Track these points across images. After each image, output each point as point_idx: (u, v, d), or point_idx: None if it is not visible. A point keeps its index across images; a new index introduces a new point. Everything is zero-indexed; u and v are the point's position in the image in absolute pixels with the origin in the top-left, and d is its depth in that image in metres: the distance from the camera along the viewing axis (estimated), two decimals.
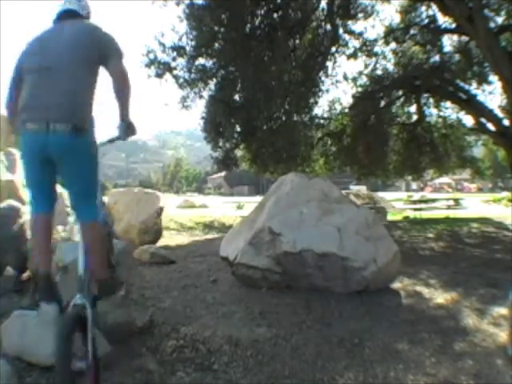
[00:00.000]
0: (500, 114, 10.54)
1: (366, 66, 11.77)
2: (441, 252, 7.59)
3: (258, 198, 10.33)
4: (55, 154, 2.00)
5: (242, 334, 3.27)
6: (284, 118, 10.37)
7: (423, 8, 10.85)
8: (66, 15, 2.23)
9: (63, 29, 2.17)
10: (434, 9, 10.17)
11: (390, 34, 11.18)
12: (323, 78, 10.77)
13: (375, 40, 11.07)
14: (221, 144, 11.06)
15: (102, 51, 2.14)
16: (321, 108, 12.81)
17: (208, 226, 11.61)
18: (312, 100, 10.66)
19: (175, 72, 9.64)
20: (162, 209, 8.42)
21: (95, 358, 2.01)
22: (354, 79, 11.84)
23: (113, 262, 2.68)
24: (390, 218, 14.66)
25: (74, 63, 2.07)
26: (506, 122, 9.82)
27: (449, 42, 11.86)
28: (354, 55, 10.71)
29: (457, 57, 11.33)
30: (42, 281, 2.12)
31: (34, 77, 2.06)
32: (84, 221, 2.19)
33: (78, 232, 2.24)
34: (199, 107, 10.69)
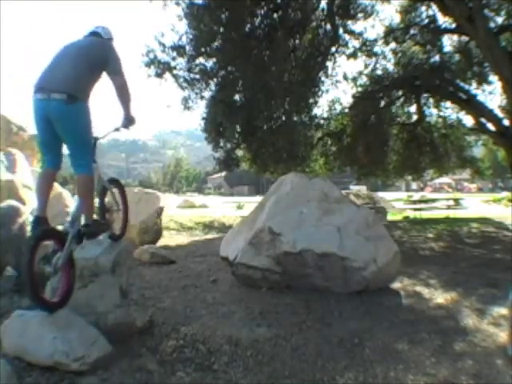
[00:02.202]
0: (500, 114, 10.54)
1: (366, 66, 11.76)
2: (441, 252, 7.59)
3: (258, 198, 10.34)
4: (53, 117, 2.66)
5: (242, 334, 3.28)
6: (284, 118, 10.37)
7: (423, 8, 10.84)
8: (92, 33, 3.09)
9: (86, 38, 3.07)
10: (434, 9, 10.16)
11: (390, 33, 11.17)
12: (323, 78, 10.76)
13: (375, 40, 11.06)
14: (221, 144, 11.05)
15: (105, 59, 2.87)
16: (321, 108, 12.82)
17: (208, 226, 11.61)
18: (312, 100, 10.65)
19: (175, 72, 9.64)
20: (162, 209, 8.42)
21: (69, 268, 2.73)
22: (354, 79, 11.84)
23: (106, 214, 3.20)
24: (390, 217, 14.66)
25: (79, 58, 2.80)
26: (506, 122, 9.82)
27: (449, 42, 11.87)
28: (353, 55, 10.70)
29: (457, 57, 11.32)
30: (35, 221, 2.69)
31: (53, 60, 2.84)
32: (76, 173, 2.80)
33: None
34: (200, 108, 10.65)
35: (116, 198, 3.43)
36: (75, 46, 2.93)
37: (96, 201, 3.09)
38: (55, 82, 2.68)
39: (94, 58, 2.84)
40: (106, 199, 3.26)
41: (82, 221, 2.89)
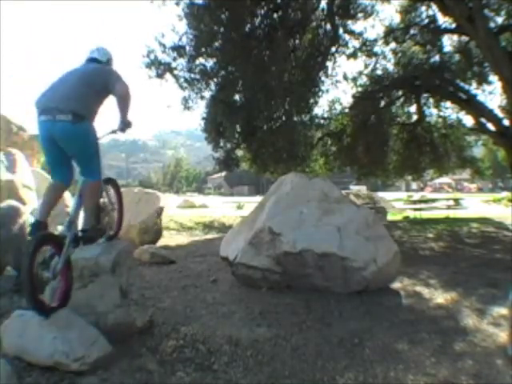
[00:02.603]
0: (500, 114, 10.54)
1: (366, 66, 11.76)
2: (441, 252, 7.59)
3: (258, 198, 10.34)
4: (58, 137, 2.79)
5: (242, 334, 3.28)
6: (284, 118, 10.36)
7: (423, 8, 10.84)
8: (90, 60, 3.22)
9: (85, 66, 3.19)
10: (434, 9, 10.16)
11: (390, 33, 11.16)
12: (323, 78, 10.75)
13: (375, 40, 11.05)
14: (221, 144, 11.05)
15: (106, 84, 2.96)
16: (321, 108, 12.79)
17: (208, 226, 11.61)
18: (312, 100, 10.65)
19: (175, 72, 9.64)
20: (162, 209, 8.42)
21: (67, 271, 2.80)
22: (354, 79, 11.83)
23: (101, 214, 3.25)
24: (390, 217, 14.66)
25: (81, 81, 2.92)
26: (506, 122, 9.81)
27: (449, 42, 11.86)
28: (353, 55, 10.69)
29: (457, 57, 11.32)
30: (35, 225, 2.77)
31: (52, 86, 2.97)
32: (86, 179, 2.95)
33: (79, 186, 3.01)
34: (200, 108, 10.63)
35: (111, 198, 3.48)
36: (77, 71, 3.07)
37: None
38: (59, 103, 2.76)
39: (95, 83, 2.96)
40: (101, 199, 3.30)
41: (80, 225, 2.99)
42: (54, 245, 2.74)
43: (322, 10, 9.93)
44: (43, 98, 2.86)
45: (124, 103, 2.98)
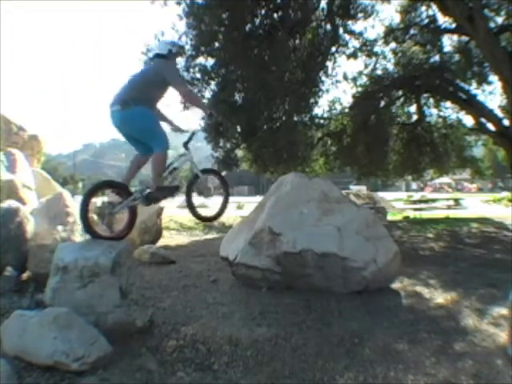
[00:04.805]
0: (500, 114, 10.54)
1: (366, 66, 11.75)
2: (441, 252, 7.59)
3: (258, 198, 10.32)
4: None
5: (241, 334, 3.28)
6: (284, 118, 10.36)
7: (423, 8, 10.84)
8: (154, 56, 3.93)
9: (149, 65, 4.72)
10: (434, 9, 10.16)
11: (390, 34, 11.16)
12: (323, 78, 10.74)
13: (375, 40, 11.04)
14: (221, 144, 11.04)
15: (161, 76, 3.53)
16: (321, 108, 12.80)
17: (208, 226, 11.60)
18: (312, 100, 10.64)
19: None
20: (162, 209, 8.42)
21: (132, 214, 3.69)
22: (354, 79, 11.82)
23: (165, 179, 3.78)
24: (390, 217, 14.66)
25: (136, 78, 3.68)
26: (506, 122, 9.81)
27: (449, 42, 11.85)
28: (354, 55, 10.67)
29: (457, 57, 11.31)
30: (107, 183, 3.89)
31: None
32: (153, 152, 3.56)
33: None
34: None
35: (207, 185, 4.08)
36: (142, 70, 3.96)
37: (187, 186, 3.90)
38: (115, 98, 3.53)
39: (149, 76, 3.64)
40: (208, 184, 4.06)
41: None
42: (123, 196, 3.61)
43: (322, 9, 9.93)
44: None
45: (189, 97, 3.91)
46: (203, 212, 4.13)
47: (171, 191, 3.81)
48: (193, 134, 3.87)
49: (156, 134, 3.56)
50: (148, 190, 3.62)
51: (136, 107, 3.42)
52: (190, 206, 3.90)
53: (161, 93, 3.66)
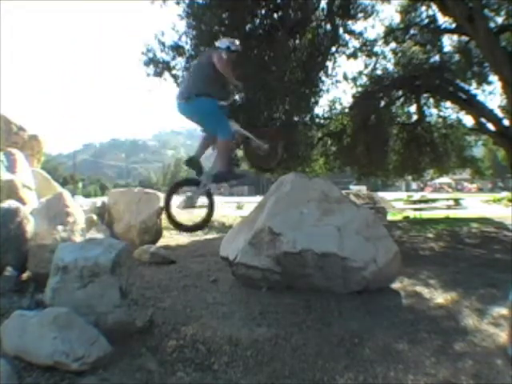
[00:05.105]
0: (500, 114, 10.53)
1: (366, 66, 11.74)
2: (441, 252, 7.59)
3: (258, 198, 10.32)
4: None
5: (242, 334, 3.28)
6: (284, 118, 10.35)
7: (423, 8, 10.83)
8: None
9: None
10: (434, 9, 10.15)
11: (390, 34, 11.16)
12: (323, 78, 10.74)
13: (375, 40, 11.04)
14: None
15: (210, 59, 3.92)
16: (321, 108, 12.77)
17: (208, 226, 11.59)
18: (312, 100, 10.64)
19: (174, 71, 9.62)
20: (162, 209, 8.41)
21: (211, 200, 4.22)
22: (354, 79, 11.82)
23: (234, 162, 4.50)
24: (390, 217, 14.66)
25: (193, 69, 4.32)
26: (506, 122, 9.80)
27: (449, 42, 11.85)
28: (354, 55, 10.68)
29: (457, 57, 11.31)
30: (191, 159, 4.22)
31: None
32: (218, 139, 3.98)
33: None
34: None
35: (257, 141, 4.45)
36: (201, 59, 4.34)
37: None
38: (180, 92, 4.05)
39: (204, 67, 3.98)
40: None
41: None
42: (195, 184, 4.16)
43: (322, 10, 9.92)
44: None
45: (219, 68, 3.90)
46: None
47: (236, 176, 4.35)
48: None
49: (218, 125, 3.99)
50: (217, 172, 4.05)
51: (196, 99, 3.86)
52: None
53: (212, 78, 3.93)
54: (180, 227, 4.40)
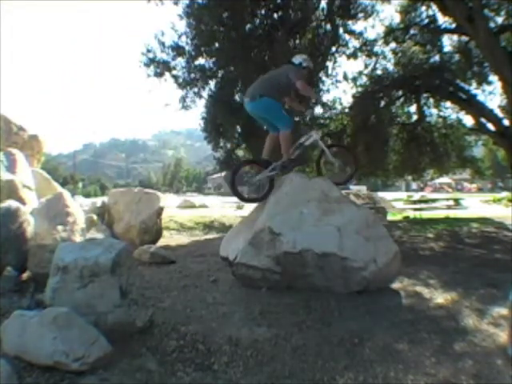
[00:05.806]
0: (500, 114, 10.54)
1: (366, 66, 11.74)
2: (441, 252, 7.59)
3: None
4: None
5: (241, 334, 3.28)
6: None
7: (423, 8, 10.84)
8: (289, 62, 5.07)
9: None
10: (434, 9, 10.16)
11: (390, 33, 11.16)
12: (323, 78, 10.76)
13: (375, 40, 11.04)
14: (221, 144, 11.03)
15: (286, 77, 4.76)
16: (321, 108, 12.76)
17: (208, 226, 11.60)
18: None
19: (174, 72, 9.63)
20: (162, 209, 8.42)
21: (272, 181, 4.97)
22: (354, 79, 11.82)
23: (291, 152, 4.98)
24: (390, 217, 14.67)
25: (275, 74, 5.02)
26: (506, 122, 9.82)
27: (449, 42, 11.86)
28: (353, 55, 10.68)
29: (457, 57, 11.32)
30: (263, 161, 4.96)
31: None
32: (277, 132, 4.86)
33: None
34: (199, 107, 10.64)
35: (330, 159, 5.11)
36: (277, 70, 5.13)
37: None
38: (247, 91, 4.93)
39: (281, 74, 4.83)
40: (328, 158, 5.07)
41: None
42: (259, 169, 4.96)
43: (322, 9, 9.93)
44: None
45: (302, 91, 4.74)
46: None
47: (299, 162, 5.07)
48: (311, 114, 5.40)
49: (279, 119, 4.77)
50: (281, 161, 4.81)
51: (260, 99, 4.67)
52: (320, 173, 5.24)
53: (281, 88, 4.76)
54: (247, 200, 5.34)
